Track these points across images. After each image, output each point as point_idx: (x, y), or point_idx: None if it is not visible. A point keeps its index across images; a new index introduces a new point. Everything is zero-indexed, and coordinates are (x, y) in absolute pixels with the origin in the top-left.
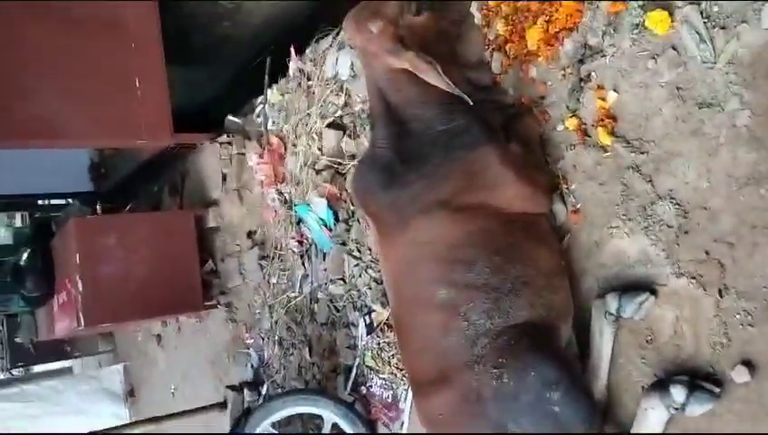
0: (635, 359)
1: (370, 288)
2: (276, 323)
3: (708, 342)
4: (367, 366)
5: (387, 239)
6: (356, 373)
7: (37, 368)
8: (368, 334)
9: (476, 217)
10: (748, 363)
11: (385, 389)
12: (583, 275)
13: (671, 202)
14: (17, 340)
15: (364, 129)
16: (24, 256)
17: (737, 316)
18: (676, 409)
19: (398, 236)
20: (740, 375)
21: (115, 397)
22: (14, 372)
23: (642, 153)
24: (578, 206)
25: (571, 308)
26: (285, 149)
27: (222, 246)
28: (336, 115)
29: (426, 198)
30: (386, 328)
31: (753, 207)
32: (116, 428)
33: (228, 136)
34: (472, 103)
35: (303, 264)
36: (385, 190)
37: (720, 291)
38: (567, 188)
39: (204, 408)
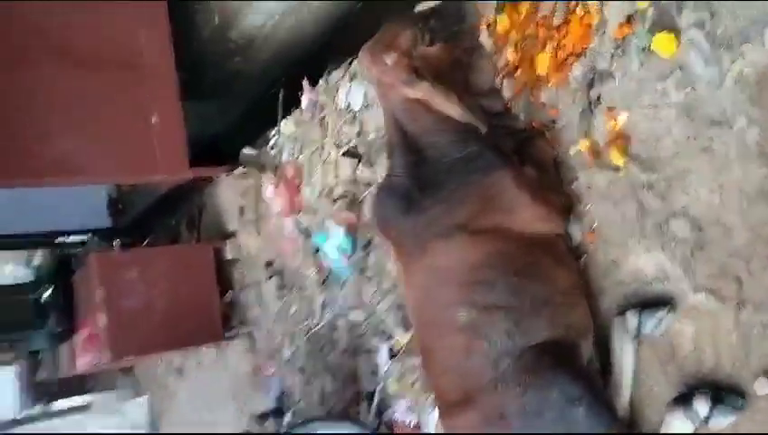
0: (656, 374)
1: (391, 314)
2: (297, 351)
3: (729, 355)
4: (390, 392)
5: (407, 265)
6: (379, 399)
7: (58, 404)
8: (390, 360)
9: (494, 239)
10: None
11: (409, 414)
12: (602, 293)
13: (685, 219)
14: (39, 377)
15: (379, 156)
16: (46, 293)
17: (756, 329)
18: (700, 422)
19: (417, 261)
20: (762, 387)
21: (139, 429)
22: (35, 409)
23: (654, 172)
24: (594, 226)
25: (591, 326)
26: (301, 178)
27: (240, 278)
28: (350, 144)
29: (443, 222)
30: (408, 353)
31: (765, 221)
32: None
33: (244, 168)
34: (485, 131)
35: (322, 292)
36: (403, 217)
37: (738, 304)
38: (582, 209)
39: None
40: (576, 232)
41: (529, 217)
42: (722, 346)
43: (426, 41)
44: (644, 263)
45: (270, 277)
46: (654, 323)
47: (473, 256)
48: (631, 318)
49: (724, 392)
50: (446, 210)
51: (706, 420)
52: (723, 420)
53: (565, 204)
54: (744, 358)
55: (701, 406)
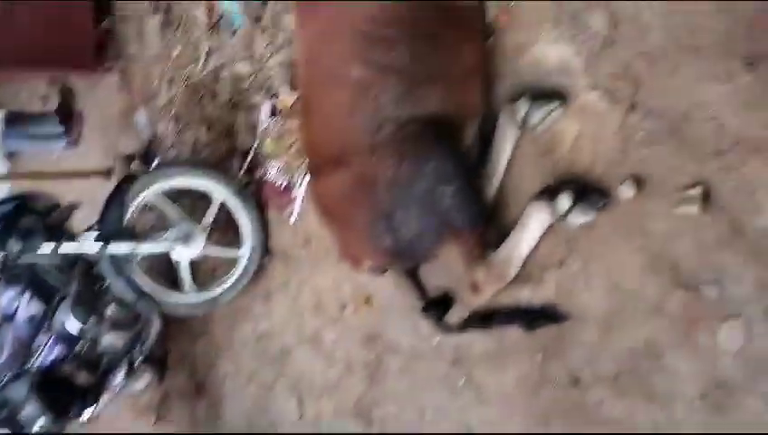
0: (531, 166)
1: (280, 71)
2: (174, 98)
3: (605, 157)
4: (265, 151)
5: (306, 10)
6: (252, 157)
7: None
8: (271, 118)
9: None
10: (637, 180)
11: (281, 175)
12: (500, 78)
13: (605, 11)
14: None
15: None
16: None
17: (639, 135)
18: (560, 216)
19: (318, 7)
20: (626, 191)
21: None
22: None
23: None
24: (511, 5)
25: (482, 109)
26: None
27: (122, 6)
28: None
29: None
30: (289, 114)
31: (685, 24)
32: None
33: None
34: None
35: (210, 37)
36: None
37: (629, 108)
38: None
39: (88, 173)
40: (492, 8)
41: None
42: (601, 148)
43: None
44: (550, 52)
45: (155, 12)
46: (541, 114)
47: (380, 11)
48: (521, 106)
49: (588, 191)
50: None
51: (566, 214)
52: (581, 217)
53: None
54: (618, 162)
55: (563, 200)
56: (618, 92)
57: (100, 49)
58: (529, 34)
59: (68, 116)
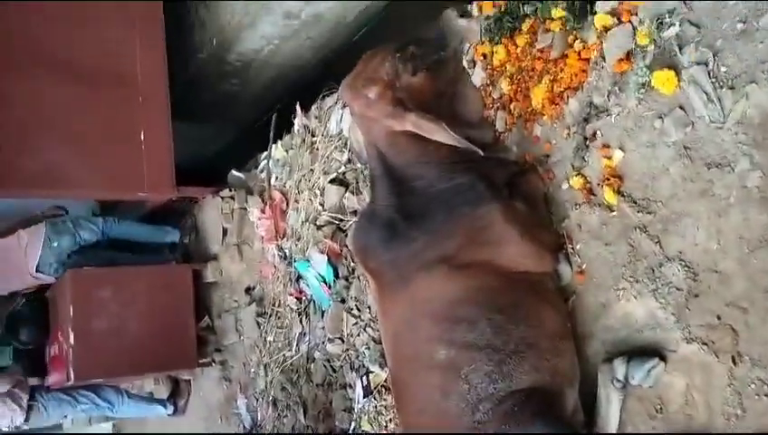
0: (644, 428)
1: (369, 348)
2: (271, 382)
3: (722, 412)
4: (363, 431)
5: (387, 296)
6: None
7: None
8: (365, 397)
9: (479, 274)
10: None
11: None
12: (589, 338)
13: (680, 264)
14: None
15: (366, 185)
16: (19, 305)
17: (752, 386)
18: None
19: (398, 293)
20: None
21: None
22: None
23: (649, 213)
24: (583, 266)
25: (577, 373)
26: (287, 204)
27: (219, 302)
28: (339, 171)
29: (428, 254)
30: (383, 390)
31: (766, 270)
32: None
33: (231, 190)
34: (483, 154)
35: (301, 321)
36: (386, 247)
37: (733, 358)
38: (572, 248)
39: None
40: (565, 272)
41: (517, 253)
42: (715, 402)
43: (409, 70)
44: (635, 308)
45: (250, 303)
46: (643, 373)
47: (456, 291)
48: (619, 367)
49: None
50: (432, 242)
51: None
52: None
53: (555, 242)
54: (738, 417)
55: None
56: (717, 343)
57: (201, 345)
58: (609, 292)
59: (176, 384)
